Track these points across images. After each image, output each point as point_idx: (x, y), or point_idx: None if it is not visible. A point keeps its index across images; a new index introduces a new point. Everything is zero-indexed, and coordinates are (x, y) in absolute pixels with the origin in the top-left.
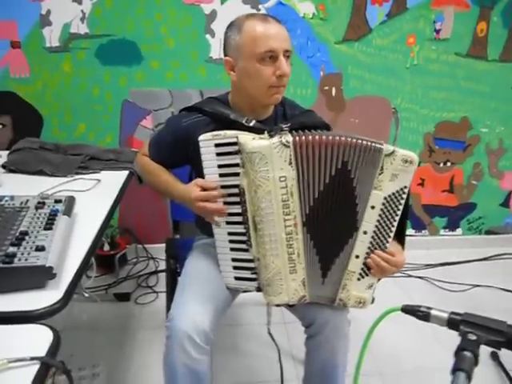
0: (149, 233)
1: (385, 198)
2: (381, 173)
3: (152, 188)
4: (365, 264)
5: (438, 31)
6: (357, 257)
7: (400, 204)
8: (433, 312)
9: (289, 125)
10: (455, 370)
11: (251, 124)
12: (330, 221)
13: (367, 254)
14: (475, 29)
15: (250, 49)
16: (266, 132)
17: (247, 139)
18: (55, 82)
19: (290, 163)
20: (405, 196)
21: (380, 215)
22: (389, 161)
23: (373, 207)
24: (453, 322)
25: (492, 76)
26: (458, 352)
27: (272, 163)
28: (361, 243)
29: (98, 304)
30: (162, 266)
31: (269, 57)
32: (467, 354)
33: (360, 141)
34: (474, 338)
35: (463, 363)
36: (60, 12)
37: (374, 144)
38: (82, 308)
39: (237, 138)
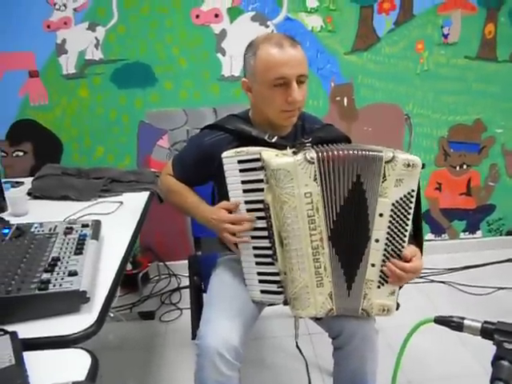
0: (169, 250)
1: (392, 205)
2: (384, 180)
3: (176, 208)
4: (382, 272)
5: (446, 36)
6: (373, 265)
7: (410, 208)
8: (466, 322)
9: (310, 139)
10: (494, 379)
11: (273, 140)
12: (349, 233)
13: (383, 261)
14: (483, 31)
15: (263, 75)
16: (288, 148)
17: (270, 156)
18: (73, 108)
19: (315, 179)
20: (413, 199)
21: (390, 221)
22: (390, 167)
23: (381, 215)
24: (487, 332)
25: (503, 76)
26: (496, 361)
27: (297, 180)
28: (375, 251)
29: (124, 323)
30: (185, 282)
31: (280, 83)
32: (505, 363)
33: (362, 152)
34: (510, 346)
35: (502, 373)
36: (75, 40)
37: (373, 153)
38: (108, 328)
39: (260, 154)
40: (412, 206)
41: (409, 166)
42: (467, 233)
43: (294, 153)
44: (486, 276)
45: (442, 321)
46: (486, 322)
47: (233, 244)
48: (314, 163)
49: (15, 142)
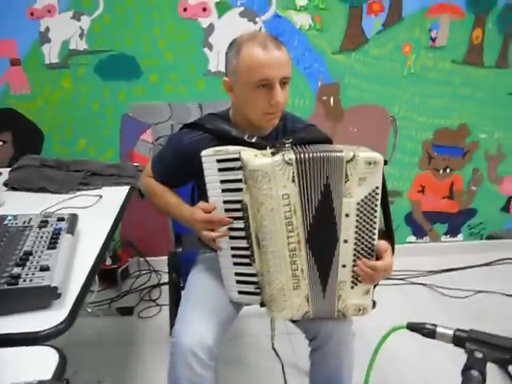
0: (150, 246)
1: (358, 204)
2: (346, 180)
3: (156, 210)
4: (354, 272)
5: (433, 39)
6: (344, 266)
7: (376, 206)
8: (438, 329)
9: (290, 141)
10: None
11: (253, 140)
12: (321, 235)
13: (354, 261)
14: (471, 36)
15: (245, 76)
16: (268, 148)
17: (249, 156)
18: (55, 98)
19: (293, 181)
20: (378, 197)
21: (357, 221)
22: (352, 166)
23: (347, 215)
24: (458, 340)
25: (489, 82)
26: (466, 371)
27: (275, 181)
28: (344, 252)
29: (101, 319)
30: (165, 278)
31: (263, 85)
32: (474, 373)
33: (325, 153)
34: (480, 355)
35: (470, 383)
36: (59, 29)
37: (334, 154)
38: (85, 323)
39: (239, 153)
40: (378, 203)
41: (370, 163)
42: (448, 236)
43: (273, 154)
44: (465, 279)
45: (414, 328)
46: (457, 330)
47: (212, 241)
48: (292, 164)
49: None
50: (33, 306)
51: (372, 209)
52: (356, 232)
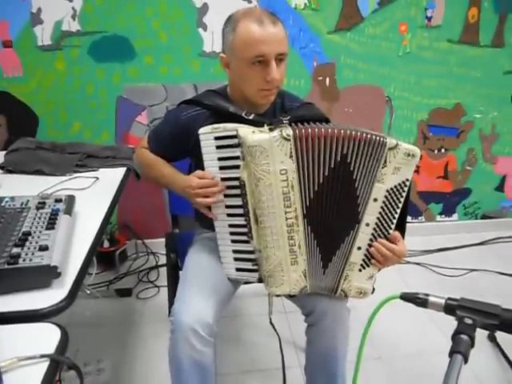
0: (147, 228)
1: (387, 191)
2: (384, 166)
3: (151, 180)
4: (366, 255)
5: (429, 18)
6: (359, 248)
7: (402, 196)
8: (430, 298)
9: (288, 117)
10: (452, 352)
11: (251, 117)
12: (330, 212)
13: (369, 245)
14: (466, 15)
15: (241, 52)
16: (265, 125)
17: (247, 132)
18: (49, 81)
19: (291, 156)
20: (406, 189)
21: (382, 207)
22: (392, 154)
23: (375, 200)
24: (449, 308)
25: (484, 62)
26: (455, 336)
27: (273, 157)
28: (363, 235)
29: (100, 300)
30: (162, 260)
31: (258, 61)
32: (464, 337)
33: (364, 134)
34: (470, 322)
35: (460, 346)
36: (51, 10)
37: (378, 137)
38: (85, 304)
39: (236, 130)
40: (404, 194)
41: (409, 155)
42: (443, 216)
43: (271, 130)
44: (460, 258)
45: (407, 297)
46: (449, 299)
47: (206, 208)
48: (289, 140)
49: None
50: (33, 285)
51: (398, 199)
52: (378, 218)
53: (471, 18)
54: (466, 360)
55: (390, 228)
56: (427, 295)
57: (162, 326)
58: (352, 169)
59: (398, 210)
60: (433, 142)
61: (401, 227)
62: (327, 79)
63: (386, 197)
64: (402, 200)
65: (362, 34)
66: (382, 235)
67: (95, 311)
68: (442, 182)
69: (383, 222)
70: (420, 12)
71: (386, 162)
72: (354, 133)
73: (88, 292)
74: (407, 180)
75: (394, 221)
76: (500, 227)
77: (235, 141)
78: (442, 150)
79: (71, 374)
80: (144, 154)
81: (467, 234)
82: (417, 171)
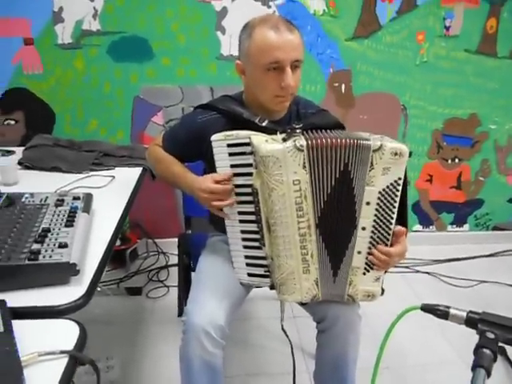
0: (159, 228)
1: (379, 193)
2: (371, 169)
3: (162, 177)
4: (368, 259)
5: (447, 28)
6: (359, 252)
7: (396, 196)
8: (451, 311)
9: (301, 125)
10: (475, 366)
11: (264, 123)
12: (336, 221)
13: (369, 248)
14: (485, 25)
15: (256, 58)
16: (278, 133)
17: (260, 141)
18: (67, 79)
19: (304, 167)
20: (400, 187)
21: (377, 209)
22: (378, 156)
23: (368, 203)
24: (471, 321)
25: (501, 73)
26: (478, 349)
27: (286, 167)
28: (361, 239)
29: (110, 298)
30: (173, 260)
31: (274, 67)
32: (486, 351)
33: (350, 140)
34: (492, 336)
35: (483, 360)
36: (72, 9)
37: (361, 141)
38: (95, 302)
39: (249, 138)
40: (398, 193)
41: (396, 154)
42: (454, 226)
43: (284, 140)
44: (469, 269)
45: (428, 309)
46: (470, 312)
47: (219, 211)
48: (303, 151)
49: (7, 111)
50: (52, 282)
51: (392, 199)
52: (374, 220)
53: (489, 28)
54: (488, 374)
55: (389, 228)
56: (448, 307)
57: (171, 325)
58: (352, 176)
59: (395, 210)
60: (447, 151)
61: (402, 224)
62: (343, 86)
63: (379, 198)
64: (397, 199)
65: (380, 41)
66: (381, 236)
67: (105, 309)
68: (454, 192)
69: (380, 223)
70: (438, 21)
71: (372, 164)
72: (349, 140)
73: (99, 289)
74: (399, 179)
75: (393, 221)
76: (511, 239)
77: (248, 148)
78: (456, 160)
79: (80, 370)
80: (157, 151)
81: (478, 245)
82: (429, 180)
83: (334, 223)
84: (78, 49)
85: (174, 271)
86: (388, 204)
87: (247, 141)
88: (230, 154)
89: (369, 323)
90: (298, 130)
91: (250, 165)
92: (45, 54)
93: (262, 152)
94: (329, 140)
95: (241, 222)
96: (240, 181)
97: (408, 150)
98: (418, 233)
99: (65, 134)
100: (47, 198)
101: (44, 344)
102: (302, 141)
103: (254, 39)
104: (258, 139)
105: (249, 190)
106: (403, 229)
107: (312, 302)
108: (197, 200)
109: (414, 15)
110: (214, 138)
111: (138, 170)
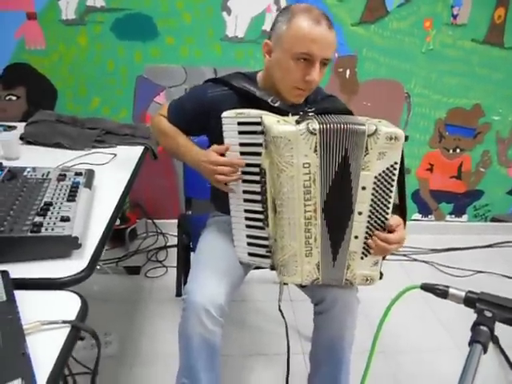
0: (159, 208)
1: (375, 178)
2: (366, 153)
3: (166, 149)
4: (365, 243)
5: (455, 16)
6: (356, 237)
7: (392, 181)
8: (450, 290)
9: (313, 109)
10: (472, 341)
11: (276, 104)
12: (336, 206)
13: (367, 233)
14: (493, 15)
15: (290, 45)
16: (290, 114)
17: (272, 121)
18: (70, 55)
19: (315, 151)
20: (396, 172)
21: (373, 194)
22: (372, 140)
23: (364, 188)
24: (469, 300)
25: (507, 64)
26: (475, 326)
27: (297, 149)
28: (358, 224)
29: (109, 276)
30: (172, 241)
31: (304, 58)
32: (483, 328)
33: (348, 125)
34: (489, 314)
35: (480, 336)
36: None
37: (355, 126)
38: (94, 280)
39: (261, 118)
40: (395, 178)
41: (391, 139)
42: (453, 216)
43: (297, 122)
44: (467, 259)
45: (428, 288)
46: (469, 292)
47: (223, 185)
48: (316, 134)
49: (8, 86)
50: (54, 254)
51: (388, 183)
52: (371, 205)
53: (497, 18)
54: (485, 350)
55: (387, 213)
56: (447, 287)
57: (169, 304)
58: (349, 162)
59: (392, 194)
60: (449, 141)
61: (400, 211)
62: (347, 71)
63: (375, 183)
64: (394, 184)
65: (386, 27)
66: (378, 221)
67: (104, 286)
68: (454, 182)
69: (377, 208)
70: (446, 9)
71: (367, 149)
72: (348, 126)
73: (98, 267)
74: (396, 163)
75: (390, 205)
76: (509, 231)
77: (259, 128)
78: (457, 150)
79: (79, 344)
80: (162, 122)
81: (476, 236)
82: (430, 169)
83: (336, 208)
84: (81, 25)
85: (173, 252)
86: (385, 189)
87: (258, 120)
88: (240, 132)
89: (364, 309)
90: (310, 114)
91: (259, 144)
92: (48, 30)
93: (273, 132)
94: (339, 125)
95: (245, 200)
96: (248, 160)
97: (403, 134)
98: (417, 222)
99: (67, 111)
100: (49, 172)
101: (46, 314)
102: (315, 124)
103: (293, 25)
104: (270, 119)
105: (256, 169)
106: (398, 218)
107: (311, 285)
108: (201, 173)
109: (422, 1)
110: (225, 114)
111: (139, 149)
